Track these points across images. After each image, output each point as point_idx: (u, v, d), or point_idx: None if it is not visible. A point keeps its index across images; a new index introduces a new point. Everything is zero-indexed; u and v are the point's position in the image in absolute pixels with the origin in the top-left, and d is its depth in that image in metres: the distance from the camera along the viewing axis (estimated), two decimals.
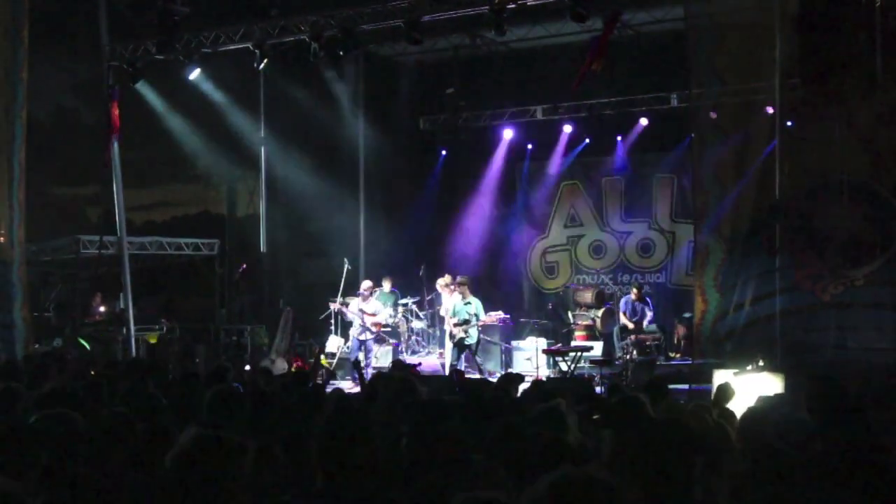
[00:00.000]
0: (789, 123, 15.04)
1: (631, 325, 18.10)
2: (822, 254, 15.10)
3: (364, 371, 17.27)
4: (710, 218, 16.12)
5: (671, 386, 14.76)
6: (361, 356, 17.48)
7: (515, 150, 22.60)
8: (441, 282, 17.98)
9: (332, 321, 18.62)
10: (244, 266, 20.34)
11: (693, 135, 14.83)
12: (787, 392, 7.45)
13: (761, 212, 15.08)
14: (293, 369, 16.35)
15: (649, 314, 18.50)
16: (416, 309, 19.65)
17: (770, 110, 16.09)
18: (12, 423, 5.06)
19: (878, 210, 15.26)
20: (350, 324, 17.98)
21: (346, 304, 17.90)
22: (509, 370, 17.34)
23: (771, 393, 7.82)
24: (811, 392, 6.15)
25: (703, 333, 15.84)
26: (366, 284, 17.91)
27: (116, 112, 17.38)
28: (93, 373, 11.38)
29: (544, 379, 15.50)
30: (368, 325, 17.47)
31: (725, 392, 9.53)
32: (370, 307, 17.66)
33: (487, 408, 7.11)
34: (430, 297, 19.60)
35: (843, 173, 15.02)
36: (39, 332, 18.58)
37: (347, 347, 17.89)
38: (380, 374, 9.10)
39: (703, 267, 15.72)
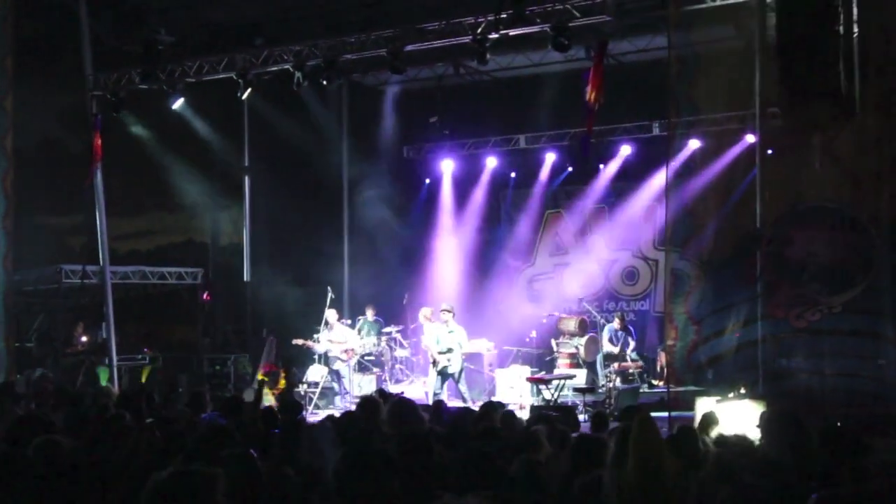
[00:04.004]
0: (769, 151, 15.14)
1: (616, 350, 18.10)
2: (798, 281, 15.17)
3: (342, 398, 17.35)
4: (681, 246, 16.20)
5: (654, 414, 14.83)
6: (336, 385, 17.52)
7: (499, 178, 22.66)
8: (422, 313, 18.00)
9: (315, 350, 18.56)
10: (207, 293, 20.33)
11: (669, 163, 14.92)
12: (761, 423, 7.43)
13: (742, 239, 15.16)
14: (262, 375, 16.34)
15: (632, 343, 18.54)
16: (399, 338, 19.62)
17: (750, 139, 16.23)
18: None
19: (858, 237, 15.34)
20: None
21: (316, 340, 17.90)
22: (492, 398, 17.32)
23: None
24: (772, 426, 6.17)
25: (675, 361, 15.89)
26: (330, 314, 17.88)
27: (98, 141, 17.41)
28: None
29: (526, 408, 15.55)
30: (338, 353, 17.48)
31: (710, 420, 9.57)
32: (337, 335, 17.65)
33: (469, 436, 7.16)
34: (414, 326, 19.57)
35: (822, 201, 15.12)
36: (21, 361, 18.50)
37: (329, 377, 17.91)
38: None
39: (673, 295, 15.78)
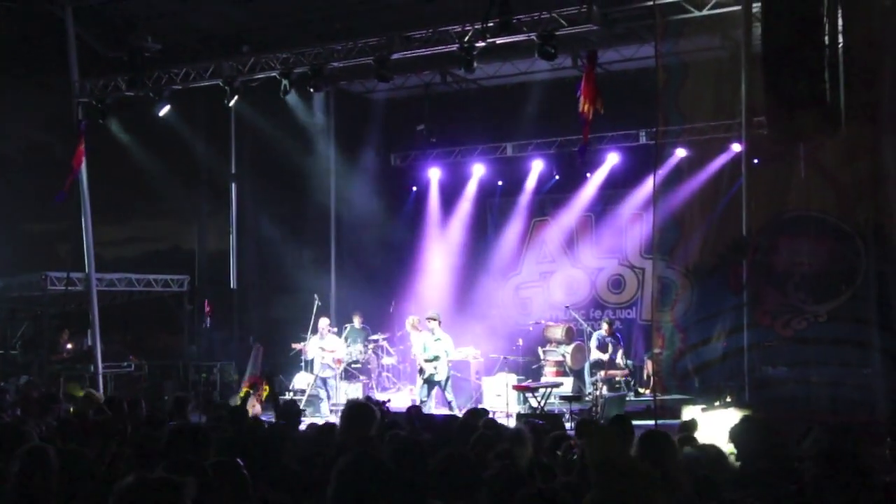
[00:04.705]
0: (755, 161, 15.20)
1: (604, 357, 18.09)
2: (784, 290, 15.21)
3: (329, 406, 17.35)
4: (667, 254, 16.22)
5: (640, 422, 14.86)
6: (323, 393, 17.50)
7: (486, 186, 22.69)
8: (409, 321, 18.00)
9: (302, 358, 18.55)
10: (209, 306, 20.23)
11: (656, 172, 14.98)
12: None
13: (727, 248, 15.20)
14: (246, 386, 16.22)
15: (619, 350, 18.55)
16: (386, 345, 19.60)
17: (736, 148, 16.29)
18: None
19: (843, 246, 15.41)
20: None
21: (305, 342, 17.91)
22: (479, 406, 17.30)
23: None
24: (743, 436, 6.17)
25: (662, 369, 15.92)
26: (323, 322, 17.90)
27: (82, 148, 17.35)
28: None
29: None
30: (329, 361, 17.49)
31: (689, 427, 9.62)
32: (328, 344, 17.67)
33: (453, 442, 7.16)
34: (400, 333, 19.57)
35: (808, 210, 15.18)
36: (6, 369, 18.41)
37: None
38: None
39: (659, 303, 15.82)
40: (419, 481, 5.24)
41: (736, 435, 6.21)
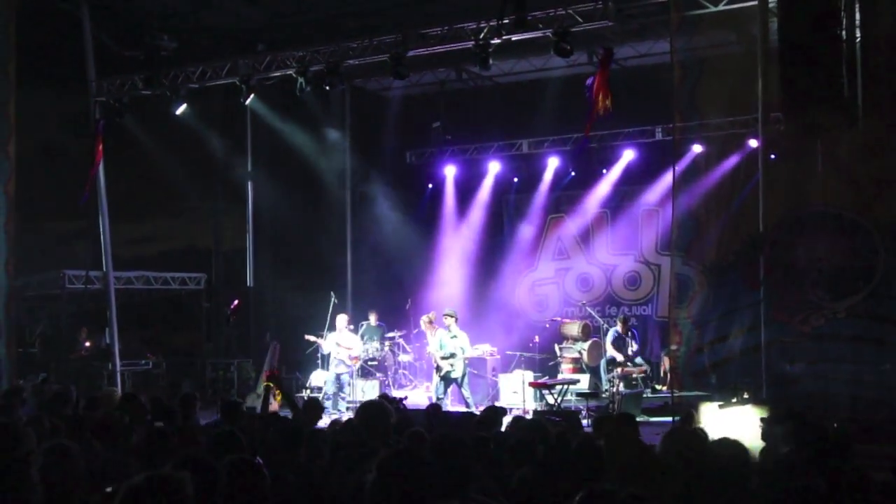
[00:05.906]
0: (772, 156, 15.14)
1: (620, 357, 18.07)
2: (801, 286, 15.13)
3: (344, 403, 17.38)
4: (684, 251, 16.16)
5: (657, 419, 14.88)
6: (336, 387, 17.56)
7: (502, 183, 22.69)
8: (424, 319, 17.98)
9: (318, 355, 18.59)
10: (237, 301, 20.23)
11: (675, 168, 14.92)
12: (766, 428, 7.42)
13: (744, 244, 15.15)
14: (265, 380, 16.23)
15: (635, 347, 18.51)
16: (402, 342, 19.62)
17: (753, 143, 16.23)
18: None
19: (861, 242, 15.32)
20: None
21: (323, 337, 17.93)
22: (496, 403, 17.29)
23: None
24: (796, 433, 6.16)
25: (679, 365, 15.87)
26: (341, 318, 17.92)
27: (100, 147, 17.44)
28: None
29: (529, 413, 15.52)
30: (344, 357, 17.52)
31: (688, 420, 9.67)
32: (346, 341, 17.70)
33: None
34: (416, 331, 19.57)
35: (825, 206, 15.11)
36: (24, 367, 18.51)
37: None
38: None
39: (677, 300, 15.77)
40: (463, 476, 5.24)
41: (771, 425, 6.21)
